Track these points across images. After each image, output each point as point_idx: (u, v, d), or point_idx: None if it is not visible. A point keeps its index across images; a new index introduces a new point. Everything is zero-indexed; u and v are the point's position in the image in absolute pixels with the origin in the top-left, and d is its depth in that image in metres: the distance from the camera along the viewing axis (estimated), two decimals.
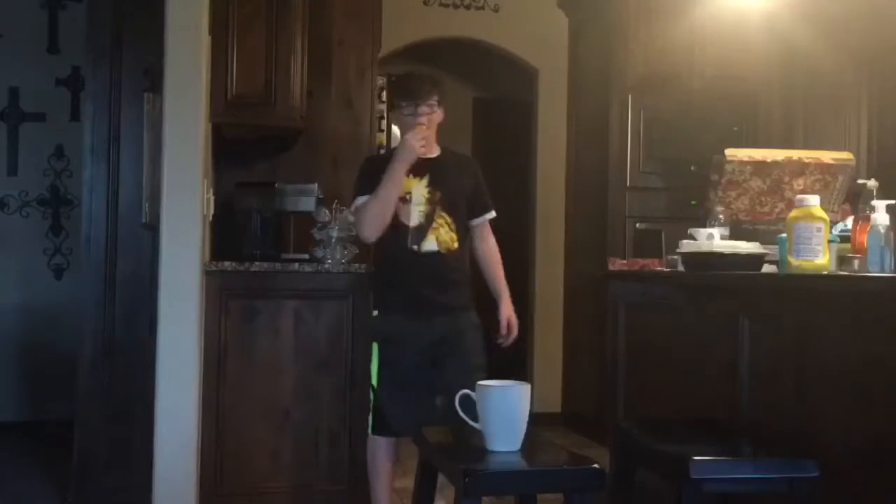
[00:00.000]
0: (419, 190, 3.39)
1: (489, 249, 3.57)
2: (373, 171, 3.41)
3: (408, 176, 3.36)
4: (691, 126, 5.39)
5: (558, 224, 6.17)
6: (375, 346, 3.42)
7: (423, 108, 3.38)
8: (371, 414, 3.44)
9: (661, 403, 3.31)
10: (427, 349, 3.36)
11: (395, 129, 5.32)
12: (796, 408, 2.51)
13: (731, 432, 2.68)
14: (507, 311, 3.56)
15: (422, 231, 3.37)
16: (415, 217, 3.37)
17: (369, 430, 3.45)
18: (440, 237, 3.38)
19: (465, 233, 3.47)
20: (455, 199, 3.43)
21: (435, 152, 3.48)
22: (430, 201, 3.38)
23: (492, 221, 3.57)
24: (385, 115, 5.25)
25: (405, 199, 3.37)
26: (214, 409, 3.80)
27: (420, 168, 3.39)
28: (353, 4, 4.61)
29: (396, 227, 3.38)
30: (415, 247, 3.36)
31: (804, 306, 2.53)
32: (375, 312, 3.49)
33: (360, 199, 3.41)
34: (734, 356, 2.78)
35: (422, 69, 3.68)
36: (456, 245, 3.42)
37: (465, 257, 3.50)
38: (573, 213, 6.09)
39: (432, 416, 3.33)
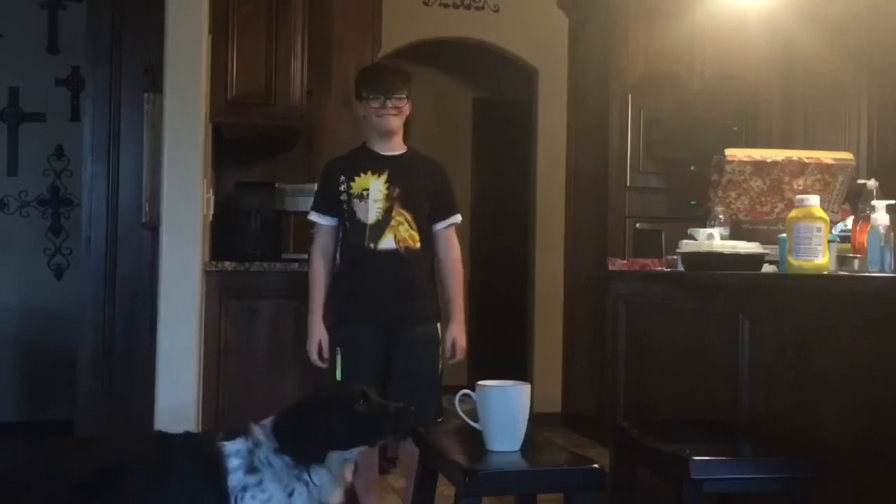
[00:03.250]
0: (377, 186, 3.24)
1: (452, 260, 3.38)
2: (330, 182, 3.30)
3: (366, 172, 3.25)
4: (691, 126, 5.39)
5: (558, 224, 6.17)
6: (339, 351, 3.29)
7: (392, 102, 3.25)
8: None
9: (661, 403, 3.31)
10: (381, 358, 3.25)
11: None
12: (796, 407, 2.51)
13: (731, 432, 2.67)
14: (455, 331, 3.33)
15: (379, 228, 3.23)
16: (373, 214, 3.23)
17: None
18: (399, 235, 3.23)
19: (428, 234, 3.32)
20: (415, 196, 3.27)
21: (399, 150, 3.34)
22: (388, 197, 3.23)
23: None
24: None
25: (363, 196, 3.24)
26: (214, 409, 3.80)
27: (380, 164, 3.27)
28: (353, 4, 4.61)
29: (355, 225, 3.25)
30: (371, 245, 3.22)
31: (804, 306, 2.53)
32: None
33: (315, 217, 3.34)
34: (734, 356, 2.78)
35: (390, 62, 3.56)
36: (417, 245, 3.26)
37: (428, 260, 3.33)
38: (573, 214, 6.09)
39: None
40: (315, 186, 4.27)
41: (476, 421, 2.22)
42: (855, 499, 2.28)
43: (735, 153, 3.35)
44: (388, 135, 3.29)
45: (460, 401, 2.26)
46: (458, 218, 3.39)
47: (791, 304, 2.59)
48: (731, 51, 5.42)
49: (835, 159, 3.37)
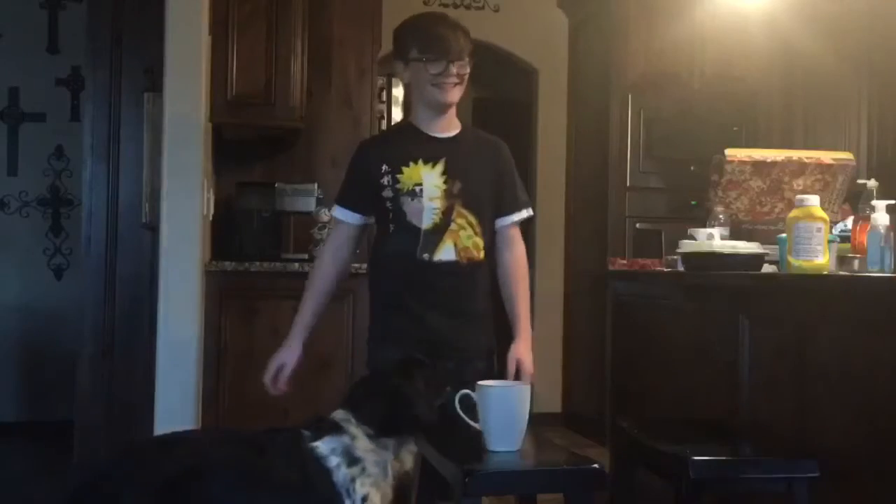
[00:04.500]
0: (432, 180, 2.55)
1: (516, 261, 2.67)
2: (366, 171, 2.60)
3: (416, 161, 2.56)
4: (691, 126, 5.40)
5: (558, 224, 6.17)
6: None
7: (456, 68, 2.57)
8: None
9: (661, 403, 3.31)
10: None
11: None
12: (796, 408, 2.51)
13: (731, 432, 2.67)
14: (522, 350, 2.59)
15: (437, 234, 2.54)
16: (428, 216, 2.53)
17: None
18: (460, 243, 2.55)
19: (491, 239, 2.65)
20: (479, 192, 2.60)
21: (454, 129, 2.65)
22: (447, 195, 2.54)
23: (523, 225, 2.72)
24: (385, 115, 5.24)
25: (414, 194, 2.54)
26: (214, 409, 3.80)
27: (433, 150, 2.58)
28: (353, 4, 4.61)
29: (403, 230, 2.55)
30: (425, 255, 2.53)
31: (804, 306, 2.53)
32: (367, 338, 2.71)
33: (338, 212, 2.66)
34: (734, 356, 2.78)
35: (440, 14, 2.83)
36: (481, 255, 2.59)
37: (489, 274, 2.67)
38: (573, 213, 6.10)
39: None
40: (314, 186, 4.30)
41: (476, 421, 2.22)
42: (855, 499, 2.28)
43: (735, 153, 3.35)
44: (444, 109, 2.62)
45: (460, 401, 2.26)
46: (526, 213, 2.72)
47: (791, 304, 2.59)
48: (732, 51, 5.42)
49: (835, 159, 3.37)
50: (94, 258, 4.21)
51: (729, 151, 3.35)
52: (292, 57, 4.01)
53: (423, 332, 2.53)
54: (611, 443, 3.46)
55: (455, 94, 2.59)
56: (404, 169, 2.56)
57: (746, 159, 3.32)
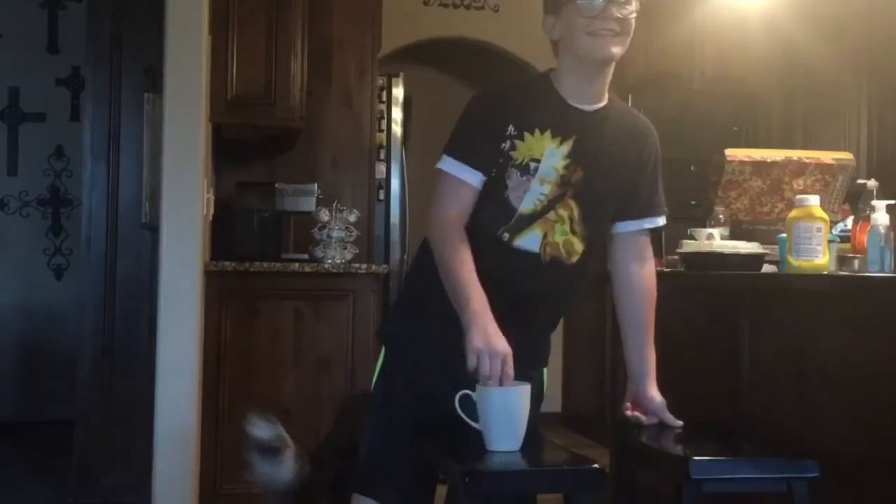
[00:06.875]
0: (553, 160, 2.09)
1: (648, 277, 2.29)
2: (491, 124, 2.11)
3: (544, 130, 2.09)
4: (691, 126, 5.40)
5: None
6: (383, 351, 2.29)
7: (616, 10, 2.03)
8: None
9: None
10: (458, 385, 2.09)
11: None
12: (796, 408, 2.51)
13: (731, 432, 2.67)
14: (657, 392, 2.32)
15: (530, 219, 2.11)
16: (530, 200, 2.10)
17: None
18: (551, 237, 2.12)
19: (595, 245, 2.22)
20: (602, 188, 2.16)
21: (600, 100, 2.17)
22: (563, 181, 2.10)
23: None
24: (385, 115, 5.23)
25: (526, 170, 2.08)
26: (214, 410, 3.80)
27: (566, 123, 2.11)
28: (353, 4, 4.61)
29: (496, 204, 2.11)
30: (506, 235, 2.10)
31: (804, 306, 2.53)
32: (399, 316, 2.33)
33: (459, 171, 2.10)
34: (734, 356, 2.78)
35: None
36: (574, 258, 2.16)
37: (579, 283, 2.26)
38: None
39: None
40: (314, 186, 4.29)
41: (476, 421, 2.22)
42: (855, 499, 2.28)
43: (735, 153, 3.35)
44: (600, 68, 2.12)
45: (460, 401, 2.25)
46: (662, 220, 2.29)
47: (791, 304, 2.59)
48: (731, 51, 5.42)
49: (835, 159, 3.37)
50: (94, 258, 4.20)
51: (729, 151, 3.35)
52: (292, 57, 4.01)
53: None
54: (611, 443, 3.46)
55: (616, 47, 2.06)
56: (527, 136, 2.10)
57: (746, 159, 3.32)
